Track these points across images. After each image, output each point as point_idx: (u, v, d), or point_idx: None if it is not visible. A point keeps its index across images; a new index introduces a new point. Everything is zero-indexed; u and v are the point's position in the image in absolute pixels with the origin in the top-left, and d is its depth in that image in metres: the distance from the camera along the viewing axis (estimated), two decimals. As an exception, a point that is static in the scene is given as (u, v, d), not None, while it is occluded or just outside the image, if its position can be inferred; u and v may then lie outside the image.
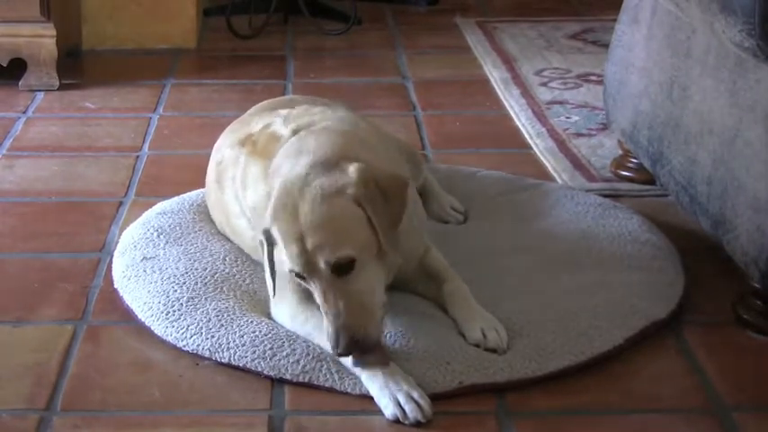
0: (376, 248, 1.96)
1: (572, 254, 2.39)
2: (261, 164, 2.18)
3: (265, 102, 2.58)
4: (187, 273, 2.28)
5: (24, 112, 3.36)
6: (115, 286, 2.31)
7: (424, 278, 2.20)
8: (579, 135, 3.18)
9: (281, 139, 2.16)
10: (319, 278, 1.93)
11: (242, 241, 2.32)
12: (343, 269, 1.93)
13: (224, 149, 2.35)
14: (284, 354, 2.02)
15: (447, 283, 2.16)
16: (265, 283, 2.20)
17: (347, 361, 1.97)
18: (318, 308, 2.07)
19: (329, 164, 1.97)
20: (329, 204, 1.94)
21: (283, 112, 2.29)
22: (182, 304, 2.18)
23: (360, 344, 1.91)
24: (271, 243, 2.00)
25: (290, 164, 2.01)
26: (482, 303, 2.12)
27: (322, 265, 1.92)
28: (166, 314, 2.16)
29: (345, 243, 1.93)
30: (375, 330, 1.94)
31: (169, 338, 2.12)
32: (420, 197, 2.58)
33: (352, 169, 1.95)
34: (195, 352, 2.09)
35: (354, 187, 1.94)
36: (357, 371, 1.96)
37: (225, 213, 2.36)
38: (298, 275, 1.97)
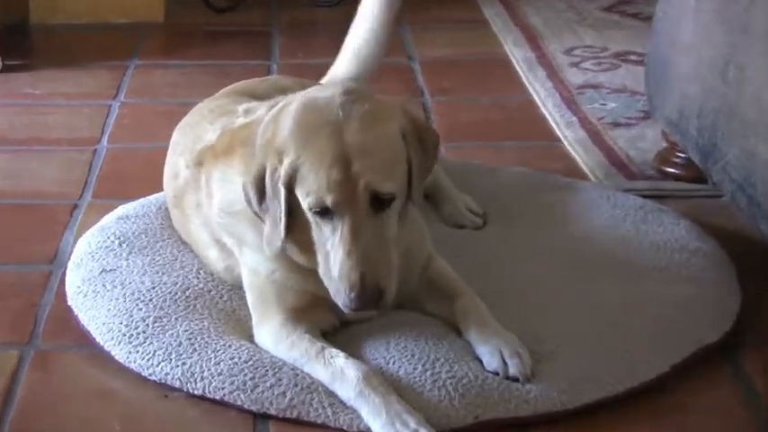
0: (405, 193, 2.04)
1: (608, 265, 2.39)
2: (225, 163, 2.20)
3: (238, 84, 2.58)
4: (154, 288, 2.28)
5: (-39, 99, 3.38)
6: (69, 304, 2.31)
7: (432, 293, 2.20)
8: (616, 125, 3.18)
9: (252, 125, 2.17)
10: (353, 211, 1.97)
11: (213, 271, 2.33)
12: (381, 205, 1.99)
13: (180, 165, 2.36)
14: (268, 384, 2.02)
15: (459, 298, 2.16)
16: (245, 300, 2.20)
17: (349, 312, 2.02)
18: (306, 331, 2.09)
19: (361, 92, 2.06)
20: (382, 126, 2.02)
21: (243, 106, 2.32)
22: (147, 325, 2.18)
23: (382, 297, 1.96)
24: (289, 184, 2.00)
25: (292, 113, 2.04)
26: (501, 322, 2.12)
27: (362, 192, 1.97)
28: (129, 337, 2.16)
29: (392, 175, 2.00)
30: (394, 289, 1.99)
31: (132, 365, 2.12)
32: (428, 198, 2.60)
33: (396, 102, 2.06)
34: (163, 381, 2.09)
35: (404, 117, 2.06)
36: (357, 404, 1.97)
37: (191, 240, 2.38)
38: (319, 212, 1.98)
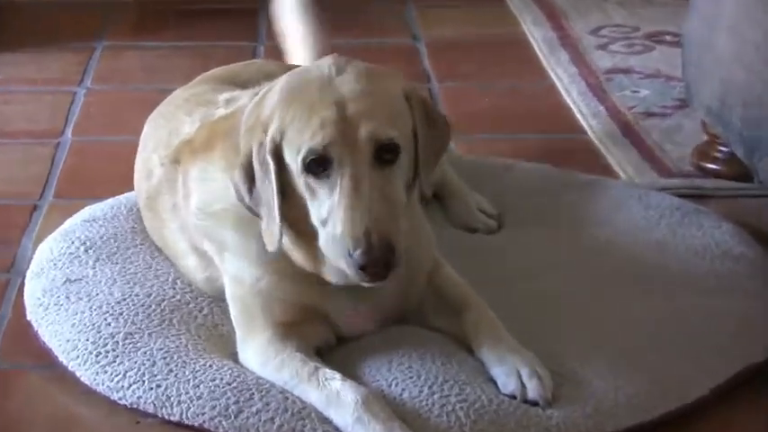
0: (411, 165, 2.04)
1: (640, 274, 2.40)
2: (203, 159, 2.21)
3: (218, 69, 2.58)
4: (124, 300, 2.28)
5: None
6: (28, 318, 2.31)
7: (439, 305, 2.21)
8: (649, 115, 3.18)
9: (234, 115, 2.18)
10: (353, 160, 1.96)
11: (192, 282, 2.34)
12: (385, 158, 1.99)
13: (153, 162, 2.36)
14: (254, 410, 2.02)
15: (470, 311, 2.17)
16: (228, 314, 2.21)
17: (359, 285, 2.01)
18: (298, 348, 2.09)
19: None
20: (382, 82, 2.05)
21: (223, 96, 2.33)
22: (117, 342, 2.18)
23: (393, 254, 1.94)
24: (278, 153, 2.01)
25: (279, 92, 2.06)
26: (518, 339, 2.12)
27: (364, 140, 1.96)
28: (97, 355, 2.16)
29: (395, 124, 2.01)
30: (403, 252, 1.97)
31: (100, 388, 2.13)
32: (436, 197, 2.61)
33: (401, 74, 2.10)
34: (135, 406, 2.09)
35: (408, 85, 2.08)
36: (356, 430, 1.97)
37: (166, 247, 2.39)
38: (314, 170, 1.97)
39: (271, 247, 2.04)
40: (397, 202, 2.00)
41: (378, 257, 1.94)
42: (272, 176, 2.01)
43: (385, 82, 2.05)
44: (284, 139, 2.01)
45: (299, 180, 2.00)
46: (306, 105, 2.00)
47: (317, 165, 1.97)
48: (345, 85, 2.01)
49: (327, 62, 2.06)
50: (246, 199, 2.06)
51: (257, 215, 2.06)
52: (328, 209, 1.97)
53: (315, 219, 2.00)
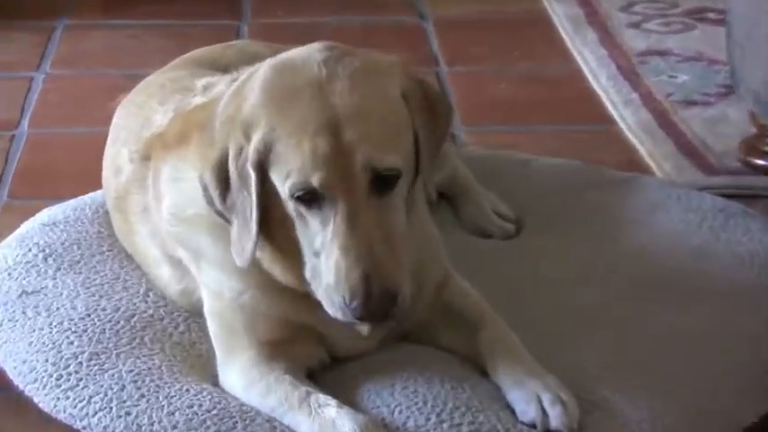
0: (412, 172, 2.05)
1: (678, 284, 2.40)
2: (177, 155, 2.21)
3: (196, 51, 2.59)
4: (89, 315, 2.29)
5: None
6: (-21, 336, 2.32)
7: (449, 322, 2.21)
8: (689, 103, 3.18)
9: (210, 104, 2.17)
10: (348, 196, 1.97)
11: (165, 294, 2.35)
12: (384, 186, 1.99)
13: (122, 157, 2.37)
14: (237, 439, 2.04)
15: (484, 328, 2.17)
16: (207, 331, 2.21)
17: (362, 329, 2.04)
18: (286, 370, 2.09)
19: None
20: (378, 85, 2.04)
21: (201, 82, 2.33)
22: (81, 363, 2.18)
23: (397, 303, 1.95)
24: (261, 165, 2.00)
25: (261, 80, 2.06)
26: (539, 360, 2.12)
27: (361, 171, 1.97)
28: (57, 378, 2.16)
29: (396, 145, 2.01)
30: (408, 292, 1.98)
31: (62, 415, 2.13)
32: (445, 197, 2.62)
33: (394, 57, 2.07)
34: (101, 436, 2.10)
35: (404, 75, 2.07)
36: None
37: (137, 254, 2.40)
38: (304, 199, 1.98)
39: (240, 262, 2.05)
40: (398, 229, 2.01)
41: (377, 307, 1.96)
42: (253, 190, 2.01)
43: (381, 83, 2.05)
44: (271, 154, 2.01)
45: (287, 203, 2.01)
46: (295, 121, 2.00)
47: (307, 197, 1.98)
48: (339, 96, 2.00)
49: (316, 58, 2.05)
50: (218, 204, 2.06)
51: (228, 222, 2.06)
52: (320, 243, 1.99)
53: (304, 246, 2.02)
